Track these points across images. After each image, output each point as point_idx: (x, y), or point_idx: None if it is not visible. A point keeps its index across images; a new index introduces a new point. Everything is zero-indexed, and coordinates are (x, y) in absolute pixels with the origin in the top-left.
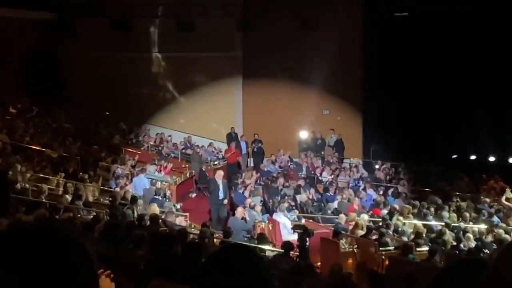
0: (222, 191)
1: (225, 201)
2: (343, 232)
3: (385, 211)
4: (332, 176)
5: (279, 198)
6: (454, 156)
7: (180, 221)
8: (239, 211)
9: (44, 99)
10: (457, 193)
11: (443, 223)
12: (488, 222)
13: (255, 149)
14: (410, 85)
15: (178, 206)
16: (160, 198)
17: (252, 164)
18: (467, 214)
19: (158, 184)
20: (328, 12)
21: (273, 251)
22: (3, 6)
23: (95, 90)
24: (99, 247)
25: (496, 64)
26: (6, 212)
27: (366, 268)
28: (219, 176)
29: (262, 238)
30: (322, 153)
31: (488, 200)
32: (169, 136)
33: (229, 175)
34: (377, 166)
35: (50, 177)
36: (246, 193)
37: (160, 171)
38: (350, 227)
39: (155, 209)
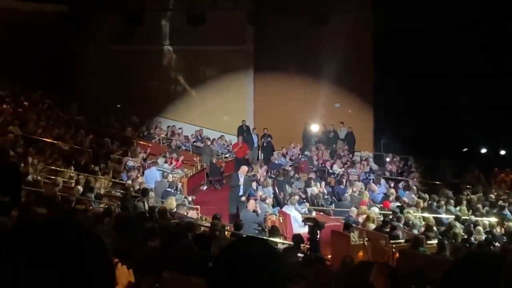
0: (243, 187)
1: (243, 198)
2: (354, 225)
3: (395, 204)
4: (343, 169)
5: (289, 191)
6: (465, 150)
7: (192, 214)
8: (251, 204)
9: (57, 92)
10: (468, 186)
11: (453, 216)
12: (499, 215)
13: (264, 144)
14: (420, 78)
15: (190, 199)
16: (172, 191)
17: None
18: (480, 206)
19: (170, 177)
20: (338, 6)
21: (283, 243)
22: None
23: (107, 83)
24: (110, 239)
25: (506, 56)
26: (18, 204)
27: (385, 267)
28: (243, 171)
29: (274, 231)
30: (334, 146)
31: (494, 194)
32: (180, 128)
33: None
34: (388, 159)
35: (62, 169)
36: (255, 185)
37: (171, 163)
38: (361, 220)
39: (172, 202)
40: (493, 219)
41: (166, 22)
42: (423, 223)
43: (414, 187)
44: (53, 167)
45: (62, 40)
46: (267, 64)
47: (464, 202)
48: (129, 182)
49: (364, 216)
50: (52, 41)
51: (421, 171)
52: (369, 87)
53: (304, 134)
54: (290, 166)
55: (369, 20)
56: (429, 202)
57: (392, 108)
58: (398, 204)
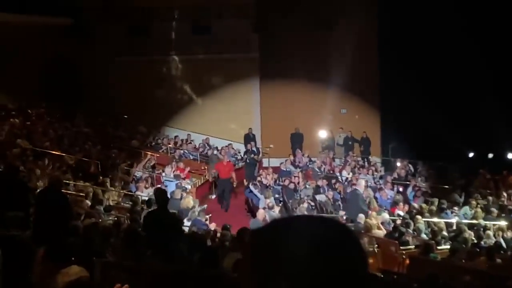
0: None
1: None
2: (363, 231)
3: (401, 212)
4: (351, 175)
5: (298, 198)
6: (471, 155)
7: (212, 225)
8: (260, 213)
9: (63, 104)
10: (478, 190)
11: (464, 221)
12: (508, 218)
13: (247, 160)
14: (426, 83)
15: (200, 208)
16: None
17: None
18: (494, 210)
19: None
20: (343, 12)
21: None
22: (21, 13)
23: (113, 94)
24: (120, 255)
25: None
26: (28, 220)
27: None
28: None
29: None
30: (350, 152)
31: (504, 197)
32: (183, 139)
33: (221, 192)
34: (398, 164)
35: (71, 182)
36: (257, 192)
37: (178, 172)
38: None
39: (189, 201)
40: (503, 223)
41: (172, 32)
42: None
43: (424, 192)
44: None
45: (68, 53)
46: (272, 72)
47: (475, 205)
48: (139, 192)
49: (373, 223)
50: (58, 53)
51: (430, 175)
52: (375, 92)
53: (292, 136)
54: (299, 172)
55: (374, 26)
56: (438, 206)
57: (399, 112)
58: (407, 209)
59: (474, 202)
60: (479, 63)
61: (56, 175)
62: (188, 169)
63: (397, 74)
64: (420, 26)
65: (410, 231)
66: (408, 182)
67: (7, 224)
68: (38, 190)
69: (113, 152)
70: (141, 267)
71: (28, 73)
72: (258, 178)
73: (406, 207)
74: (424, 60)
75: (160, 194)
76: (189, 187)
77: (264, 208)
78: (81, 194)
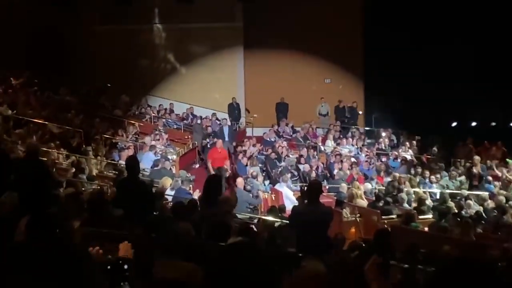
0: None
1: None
2: (345, 201)
3: (387, 179)
4: (335, 145)
5: (281, 168)
6: (454, 124)
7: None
8: (239, 182)
9: (46, 73)
10: (459, 160)
11: (447, 191)
12: (485, 189)
13: (208, 146)
14: (411, 52)
15: (191, 179)
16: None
17: None
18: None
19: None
20: None
21: (277, 221)
22: None
23: (96, 63)
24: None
25: (495, 27)
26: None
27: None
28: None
29: (272, 211)
30: (338, 122)
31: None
32: (165, 108)
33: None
34: (383, 134)
35: (54, 151)
36: (244, 161)
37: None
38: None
39: (167, 183)
40: (484, 193)
41: (155, 1)
42: (413, 197)
43: (407, 161)
44: (44, 149)
45: (51, 21)
46: (256, 41)
47: (456, 175)
48: (122, 161)
49: (358, 192)
50: (41, 22)
51: (413, 145)
52: (359, 62)
53: (278, 106)
54: (283, 142)
55: None
56: (421, 176)
57: (383, 83)
58: (390, 179)
59: (454, 173)
60: (465, 31)
61: (33, 143)
62: (166, 136)
63: (381, 44)
64: None
65: (400, 198)
66: (390, 152)
67: None
68: (17, 159)
69: (96, 121)
70: (122, 236)
71: (11, 42)
72: (243, 147)
73: (389, 177)
74: (409, 30)
75: (130, 161)
76: (174, 157)
77: (241, 177)
78: (64, 162)
